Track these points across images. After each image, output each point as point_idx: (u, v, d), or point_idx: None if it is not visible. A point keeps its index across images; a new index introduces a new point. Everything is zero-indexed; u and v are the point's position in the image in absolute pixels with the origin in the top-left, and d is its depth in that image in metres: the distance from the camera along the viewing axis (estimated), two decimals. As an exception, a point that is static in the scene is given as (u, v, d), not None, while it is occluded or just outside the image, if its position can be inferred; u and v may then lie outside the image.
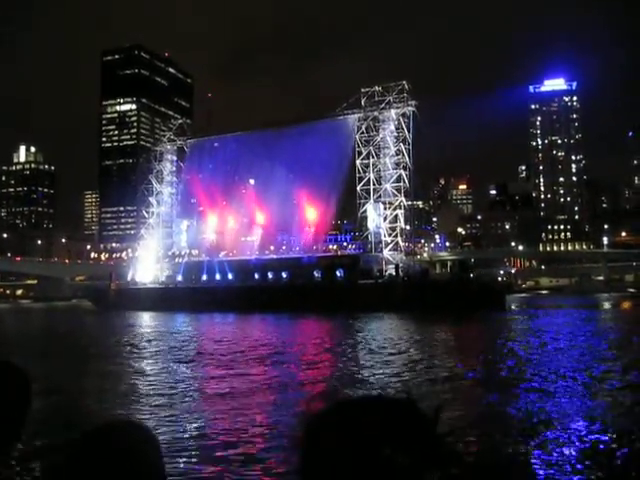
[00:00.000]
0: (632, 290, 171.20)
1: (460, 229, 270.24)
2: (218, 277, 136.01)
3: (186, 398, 26.86)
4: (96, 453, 1.79)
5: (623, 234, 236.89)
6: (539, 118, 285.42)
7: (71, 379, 33.47)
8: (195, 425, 21.26)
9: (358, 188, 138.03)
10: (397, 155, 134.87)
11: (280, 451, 16.73)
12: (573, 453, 17.13)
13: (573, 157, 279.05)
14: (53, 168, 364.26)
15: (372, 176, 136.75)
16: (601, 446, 17.80)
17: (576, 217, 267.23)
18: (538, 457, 16.63)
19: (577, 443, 18.06)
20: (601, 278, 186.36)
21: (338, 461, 1.51)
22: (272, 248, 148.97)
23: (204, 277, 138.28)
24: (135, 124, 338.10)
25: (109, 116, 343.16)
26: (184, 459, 16.60)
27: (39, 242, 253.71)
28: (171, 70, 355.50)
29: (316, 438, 1.60)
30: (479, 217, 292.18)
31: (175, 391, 28.72)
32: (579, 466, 15.88)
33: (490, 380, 31.03)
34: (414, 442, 1.52)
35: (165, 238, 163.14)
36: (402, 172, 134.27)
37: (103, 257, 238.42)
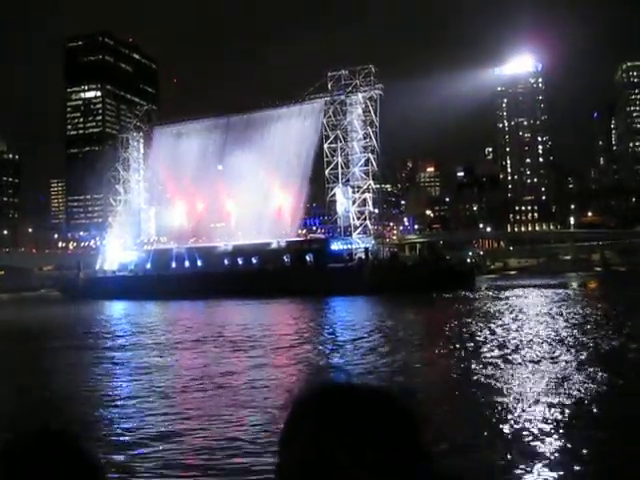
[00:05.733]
0: (598, 269, 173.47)
1: (428, 211, 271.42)
2: (187, 264, 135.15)
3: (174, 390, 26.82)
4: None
5: (589, 214, 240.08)
6: (505, 100, 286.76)
7: (41, 373, 33.25)
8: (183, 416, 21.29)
9: (326, 172, 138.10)
10: (365, 139, 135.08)
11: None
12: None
13: (539, 138, 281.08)
14: (18, 157, 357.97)
15: (340, 160, 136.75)
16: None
17: (543, 198, 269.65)
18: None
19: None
20: (568, 258, 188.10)
21: (315, 448, 1.45)
22: (241, 234, 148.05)
23: (173, 264, 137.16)
24: (100, 111, 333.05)
25: (74, 103, 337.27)
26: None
27: (5, 232, 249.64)
28: (136, 56, 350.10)
29: (297, 421, 1.54)
30: (447, 199, 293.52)
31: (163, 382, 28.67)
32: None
33: (457, 362, 31.40)
34: (393, 435, 1.46)
35: (133, 226, 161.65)
36: (370, 156, 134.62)
37: (71, 246, 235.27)
